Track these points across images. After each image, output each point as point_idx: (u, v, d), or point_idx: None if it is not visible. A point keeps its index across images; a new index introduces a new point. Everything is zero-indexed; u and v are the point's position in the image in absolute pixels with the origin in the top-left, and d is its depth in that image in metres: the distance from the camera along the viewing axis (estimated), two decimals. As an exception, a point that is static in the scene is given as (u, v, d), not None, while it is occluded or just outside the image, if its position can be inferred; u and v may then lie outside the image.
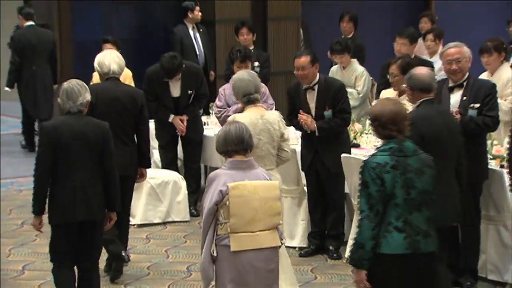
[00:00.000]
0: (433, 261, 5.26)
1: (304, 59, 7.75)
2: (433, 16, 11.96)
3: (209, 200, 5.48)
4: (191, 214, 9.29)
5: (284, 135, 6.97)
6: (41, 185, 6.37)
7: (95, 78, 9.25)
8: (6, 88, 12.90)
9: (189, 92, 9.24)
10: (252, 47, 10.19)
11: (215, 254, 5.51)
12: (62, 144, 6.31)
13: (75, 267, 6.51)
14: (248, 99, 6.81)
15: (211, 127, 9.04)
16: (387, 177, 5.07)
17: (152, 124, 9.54)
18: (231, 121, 6.05)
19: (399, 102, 5.45)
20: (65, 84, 6.46)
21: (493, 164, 7.33)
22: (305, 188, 8.22)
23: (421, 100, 6.34)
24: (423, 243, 5.14)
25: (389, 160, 5.10)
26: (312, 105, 7.87)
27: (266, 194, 5.55)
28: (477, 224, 7.16)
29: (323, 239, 8.18)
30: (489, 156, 7.36)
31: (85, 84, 6.51)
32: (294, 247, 8.34)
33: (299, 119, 7.77)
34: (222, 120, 8.40)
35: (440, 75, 9.36)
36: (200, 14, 11.69)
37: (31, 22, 12.54)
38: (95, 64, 7.79)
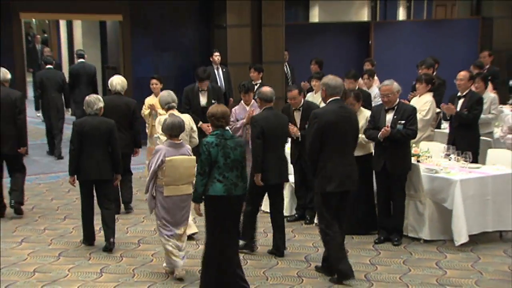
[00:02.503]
0: (241, 200, 5.88)
1: (294, 92, 7.77)
2: (372, 61, 11.94)
3: (154, 164, 6.12)
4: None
5: (193, 129, 7.54)
6: (73, 157, 7.14)
7: (147, 102, 9.32)
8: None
9: (213, 101, 9.10)
10: (259, 81, 10.16)
11: (154, 194, 6.19)
12: (84, 133, 7.09)
13: (100, 208, 7.22)
14: (168, 106, 7.44)
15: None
16: (212, 150, 5.72)
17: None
18: (172, 116, 6.58)
19: (225, 106, 6.09)
20: (86, 97, 7.32)
21: (412, 160, 7.33)
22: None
23: (265, 107, 6.94)
24: (234, 189, 5.74)
25: (214, 140, 5.76)
26: (298, 120, 7.83)
27: (187, 164, 6.20)
28: (403, 200, 7.22)
29: (304, 210, 8.10)
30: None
31: (99, 97, 7.34)
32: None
33: (290, 129, 7.64)
34: (233, 130, 8.39)
35: (376, 100, 9.47)
36: (218, 58, 11.67)
37: (82, 60, 12.75)
38: (108, 83, 8.58)
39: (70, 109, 12.05)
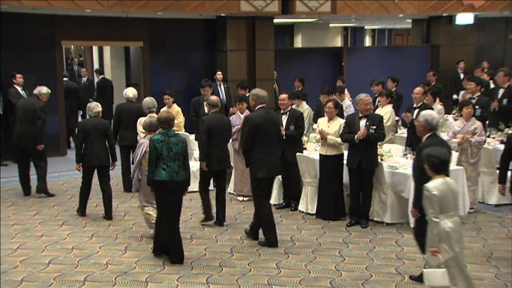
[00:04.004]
0: (182, 184, 5.92)
1: (284, 95, 7.93)
2: (343, 79, 11.94)
3: (139, 154, 6.41)
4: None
5: None
6: (78, 149, 7.48)
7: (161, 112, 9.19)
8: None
9: None
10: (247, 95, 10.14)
11: (140, 177, 6.41)
12: (87, 130, 7.44)
13: (100, 189, 7.56)
14: (149, 110, 7.94)
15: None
16: (158, 145, 5.82)
17: (192, 136, 9.47)
18: (150, 116, 6.94)
19: (171, 112, 6.20)
20: (88, 104, 7.66)
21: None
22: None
23: (212, 111, 7.16)
24: (175, 176, 5.82)
25: (160, 137, 5.87)
26: (284, 122, 7.80)
27: None
28: (371, 191, 7.18)
29: (290, 199, 8.02)
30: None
31: (98, 104, 7.63)
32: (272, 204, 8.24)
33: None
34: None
35: (348, 111, 9.46)
36: (220, 76, 11.75)
37: (102, 76, 13.05)
38: (123, 93, 9.01)
39: (81, 111, 12.79)
